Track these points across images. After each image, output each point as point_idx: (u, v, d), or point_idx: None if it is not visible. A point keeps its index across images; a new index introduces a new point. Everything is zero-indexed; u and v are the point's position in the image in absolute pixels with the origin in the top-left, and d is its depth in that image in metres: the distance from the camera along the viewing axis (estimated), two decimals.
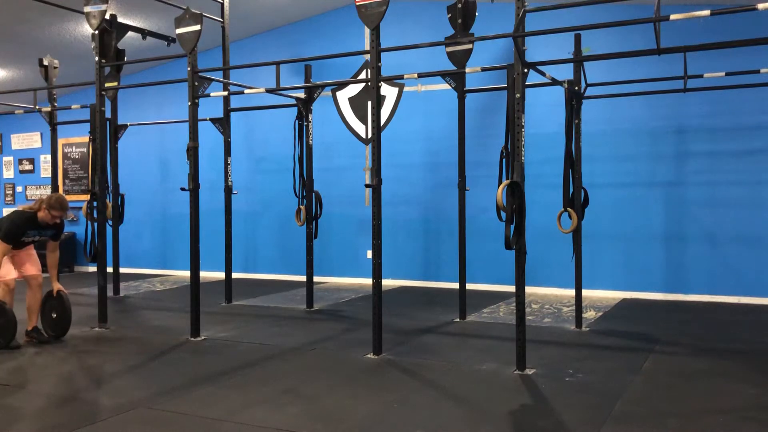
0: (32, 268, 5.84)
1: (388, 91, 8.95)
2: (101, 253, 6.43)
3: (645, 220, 7.79)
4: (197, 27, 5.77)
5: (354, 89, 9.21)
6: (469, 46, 6.08)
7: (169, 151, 10.56)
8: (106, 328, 6.32)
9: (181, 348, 5.55)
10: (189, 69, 5.85)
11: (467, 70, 5.84)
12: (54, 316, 5.89)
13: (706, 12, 3.96)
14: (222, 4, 7.63)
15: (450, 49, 6.15)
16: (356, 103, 9.23)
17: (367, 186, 5.23)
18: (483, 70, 5.65)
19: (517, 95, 4.59)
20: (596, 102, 6.76)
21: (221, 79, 6.78)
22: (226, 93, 7.17)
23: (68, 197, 11.40)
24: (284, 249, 9.80)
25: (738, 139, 7.41)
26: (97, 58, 6.43)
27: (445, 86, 7.39)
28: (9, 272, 5.62)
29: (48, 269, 5.88)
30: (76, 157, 11.51)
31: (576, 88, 5.82)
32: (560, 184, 5.54)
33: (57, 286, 5.90)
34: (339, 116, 9.31)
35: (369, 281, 5.47)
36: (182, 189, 5.93)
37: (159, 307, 7.71)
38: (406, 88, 8.91)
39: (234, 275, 8.12)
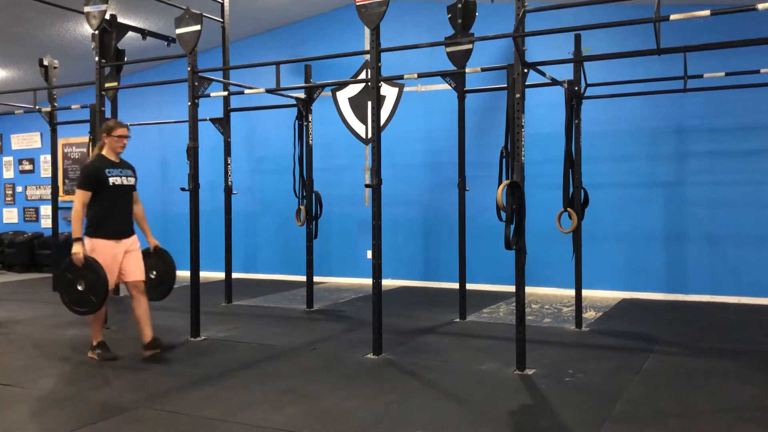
0: (133, 272, 5.06)
1: (388, 91, 8.95)
2: None
3: (645, 220, 7.79)
4: (197, 27, 5.77)
5: (354, 89, 9.21)
6: (469, 46, 6.08)
7: (169, 151, 10.56)
8: (106, 328, 6.31)
9: (181, 348, 5.55)
10: (189, 69, 5.85)
11: (467, 70, 5.84)
12: (153, 276, 5.37)
13: (706, 12, 3.96)
14: (222, 4, 7.63)
15: (450, 49, 6.15)
16: (356, 103, 9.23)
17: (367, 186, 5.23)
18: (483, 70, 5.65)
19: (517, 95, 4.59)
20: (596, 102, 6.75)
21: (221, 79, 6.78)
22: (226, 93, 7.17)
23: (68, 197, 11.46)
24: (284, 249, 9.80)
25: (738, 139, 7.41)
26: (97, 58, 6.44)
27: (445, 86, 7.38)
28: (109, 275, 4.88)
29: (138, 223, 5.27)
30: (76, 157, 11.51)
31: (576, 88, 5.82)
32: (560, 184, 5.54)
33: (154, 241, 5.39)
34: (339, 116, 9.31)
35: (369, 281, 5.47)
36: (182, 189, 5.94)
37: (159, 307, 7.68)
38: (406, 88, 8.91)
39: (234, 275, 8.12)
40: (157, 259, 5.41)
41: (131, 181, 5.17)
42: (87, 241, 4.90)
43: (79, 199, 4.86)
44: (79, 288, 4.78)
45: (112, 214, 4.96)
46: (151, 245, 5.39)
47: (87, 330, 6.27)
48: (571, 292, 6.89)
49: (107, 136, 5.03)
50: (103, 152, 5.05)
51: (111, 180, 4.95)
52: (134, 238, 5.13)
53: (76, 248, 4.73)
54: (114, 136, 5.03)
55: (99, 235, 4.90)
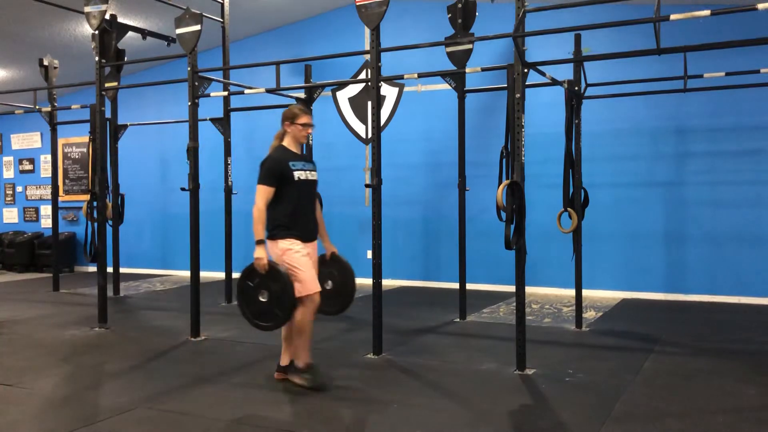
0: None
1: (388, 91, 8.95)
2: (101, 253, 6.43)
3: (645, 220, 7.79)
4: (197, 27, 5.77)
5: (354, 89, 9.21)
6: (469, 46, 6.08)
7: (169, 151, 10.56)
8: (106, 328, 6.32)
9: (181, 348, 5.55)
10: (189, 69, 5.85)
11: (467, 70, 5.83)
12: (328, 286, 4.66)
13: (706, 12, 3.96)
14: (222, 4, 7.63)
15: (450, 49, 6.15)
16: (356, 103, 9.23)
17: (367, 186, 5.23)
18: (483, 70, 5.65)
19: (517, 95, 4.59)
20: (596, 102, 6.75)
21: (221, 79, 6.78)
22: (226, 93, 7.17)
23: (68, 197, 11.46)
24: None
25: (738, 139, 7.41)
26: (97, 58, 6.43)
27: (445, 86, 7.38)
28: (313, 281, 4.26)
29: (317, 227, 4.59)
30: (76, 157, 11.51)
31: (576, 88, 5.82)
32: (560, 184, 5.54)
33: (331, 247, 4.69)
34: (339, 116, 9.31)
35: (369, 281, 5.46)
36: (182, 189, 5.94)
37: (159, 307, 7.71)
38: (406, 88, 8.91)
39: (234, 275, 8.09)
40: (334, 268, 4.69)
41: (315, 176, 4.51)
42: (270, 244, 4.32)
43: (261, 195, 4.32)
44: (262, 299, 4.21)
45: (297, 212, 4.33)
46: (327, 251, 4.67)
47: (86, 330, 6.28)
48: (571, 292, 6.89)
49: (290, 124, 4.37)
50: (284, 143, 4.41)
51: (296, 174, 4.30)
52: (315, 243, 4.49)
53: (259, 253, 4.20)
54: (298, 124, 4.36)
55: (287, 236, 4.28)
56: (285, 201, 4.31)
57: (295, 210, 4.32)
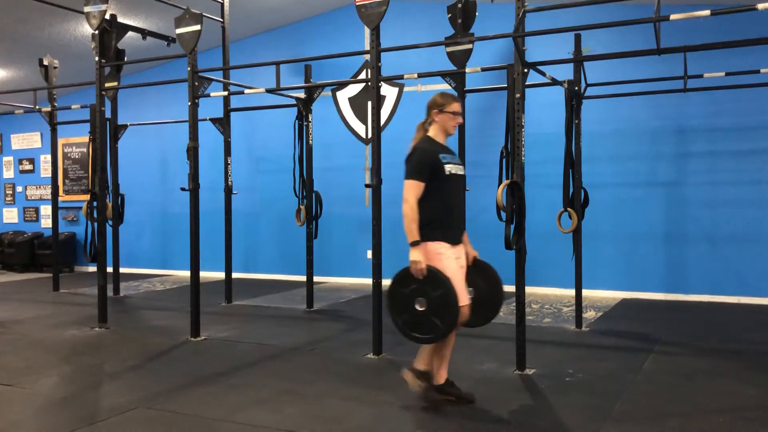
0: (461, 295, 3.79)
1: (388, 91, 8.95)
2: (101, 253, 6.43)
3: (645, 220, 7.79)
4: (197, 27, 5.77)
5: (354, 89, 9.21)
6: (469, 46, 6.07)
7: (169, 151, 10.56)
8: (106, 328, 6.32)
9: (181, 348, 5.55)
10: (189, 69, 5.85)
11: (467, 70, 5.83)
12: (472, 295, 4.01)
13: (706, 12, 3.96)
14: (222, 4, 7.63)
15: (450, 49, 6.14)
16: (356, 103, 9.23)
17: (367, 186, 5.23)
18: (483, 70, 5.64)
19: (517, 95, 4.59)
20: (596, 102, 6.75)
21: (221, 79, 6.78)
22: (226, 93, 7.17)
23: (68, 197, 11.46)
24: (284, 249, 9.80)
25: (738, 139, 7.41)
26: (97, 58, 6.43)
27: (445, 86, 7.37)
28: (463, 292, 3.82)
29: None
30: (76, 157, 11.51)
31: (576, 88, 5.82)
32: (560, 184, 5.54)
33: (473, 251, 4.11)
34: (339, 116, 9.31)
35: (369, 281, 5.46)
36: (182, 189, 5.94)
37: (159, 307, 7.71)
38: (406, 88, 8.91)
39: (234, 275, 8.11)
40: (477, 275, 4.09)
41: (463, 170, 4.07)
42: (422, 246, 3.80)
43: (411, 191, 3.83)
44: (418, 308, 3.73)
45: (447, 211, 3.88)
46: (469, 256, 4.08)
47: (86, 330, 6.28)
48: (571, 292, 6.89)
49: (439, 112, 3.94)
50: (430, 134, 3.98)
51: (447, 168, 3.85)
52: (462, 247, 4.01)
53: (416, 255, 3.71)
54: (448, 113, 3.92)
55: (436, 237, 3.82)
56: (434, 198, 3.83)
57: (445, 208, 3.87)
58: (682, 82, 6.02)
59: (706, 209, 7.55)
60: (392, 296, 3.86)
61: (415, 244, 3.74)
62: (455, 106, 3.95)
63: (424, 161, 3.83)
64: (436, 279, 3.67)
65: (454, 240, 3.89)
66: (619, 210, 7.89)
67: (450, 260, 3.79)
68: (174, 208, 10.54)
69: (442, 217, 3.85)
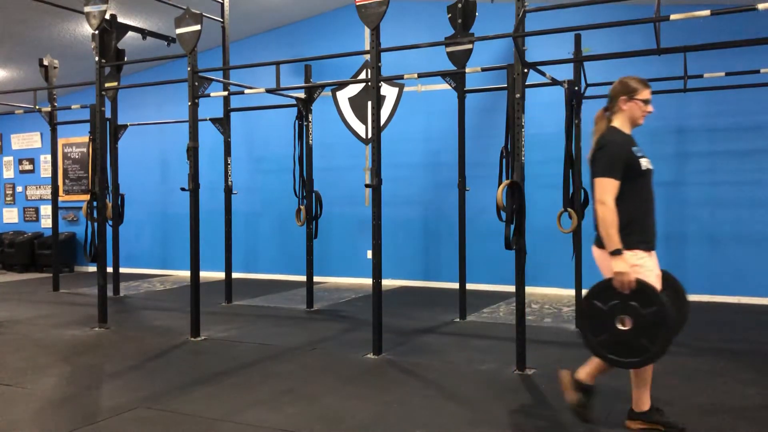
0: None
1: (388, 91, 8.95)
2: (101, 253, 6.43)
3: None
4: (197, 27, 5.77)
5: (354, 89, 9.21)
6: (469, 46, 6.08)
7: (169, 151, 10.56)
8: (106, 328, 6.32)
9: (181, 348, 5.55)
10: (189, 69, 5.85)
11: (467, 70, 5.83)
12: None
13: (706, 12, 3.96)
14: (222, 4, 7.63)
15: (450, 49, 6.15)
16: (356, 103, 9.23)
17: (367, 186, 5.23)
18: (483, 70, 5.64)
19: (517, 95, 4.59)
20: (596, 102, 6.70)
21: (221, 79, 6.78)
22: (226, 93, 7.17)
23: (68, 197, 11.46)
24: (284, 249, 9.80)
25: (738, 139, 7.41)
26: (97, 58, 6.43)
27: (445, 86, 7.38)
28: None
29: None
30: (76, 157, 11.51)
31: (576, 88, 5.82)
32: (560, 184, 5.53)
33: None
34: (339, 116, 9.31)
35: (369, 281, 5.47)
36: (182, 189, 5.94)
37: (159, 307, 7.71)
38: (406, 88, 8.91)
39: (234, 275, 8.12)
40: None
41: (651, 165, 3.46)
42: (603, 254, 3.44)
43: (607, 191, 3.26)
44: (621, 326, 3.27)
45: (646, 213, 3.39)
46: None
47: (86, 330, 6.28)
48: (571, 292, 6.89)
49: (627, 99, 3.39)
50: (616, 124, 3.44)
51: (643, 163, 3.35)
52: (655, 255, 3.49)
53: (621, 266, 3.22)
54: (638, 100, 3.38)
55: (632, 244, 3.31)
56: (630, 198, 3.31)
57: (643, 209, 3.37)
58: (682, 82, 6.02)
59: (706, 209, 7.55)
60: (588, 314, 3.40)
61: (617, 252, 3.24)
62: (646, 93, 3.39)
63: (620, 155, 3.29)
64: (646, 294, 3.21)
65: (652, 246, 3.40)
66: None
67: (653, 273, 3.34)
68: (174, 208, 10.54)
69: (639, 219, 3.35)
